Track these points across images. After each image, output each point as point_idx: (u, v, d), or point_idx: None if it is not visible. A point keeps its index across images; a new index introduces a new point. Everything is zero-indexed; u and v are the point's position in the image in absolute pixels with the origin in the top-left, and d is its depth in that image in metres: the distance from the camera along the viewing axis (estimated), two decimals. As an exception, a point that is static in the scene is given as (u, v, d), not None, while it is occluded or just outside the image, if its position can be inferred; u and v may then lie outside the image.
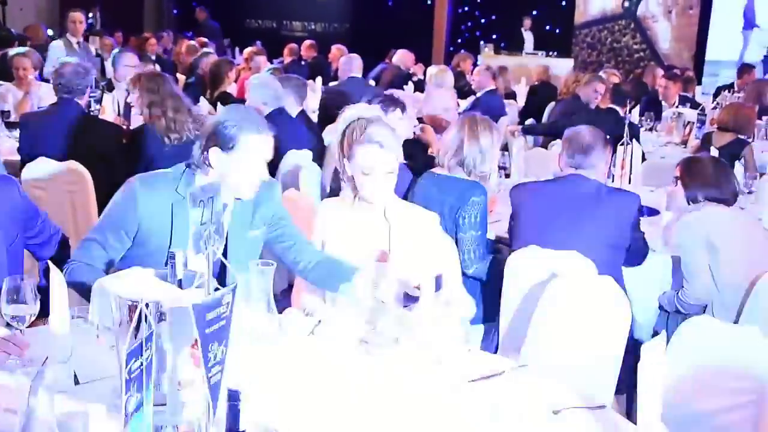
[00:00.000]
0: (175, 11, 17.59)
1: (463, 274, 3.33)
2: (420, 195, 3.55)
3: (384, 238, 2.73)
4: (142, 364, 1.49)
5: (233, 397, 1.36)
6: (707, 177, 3.47)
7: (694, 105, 8.47)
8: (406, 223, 2.74)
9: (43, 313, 2.09)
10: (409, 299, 2.23)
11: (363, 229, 2.77)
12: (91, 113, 5.36)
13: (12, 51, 6.73)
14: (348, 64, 7.78)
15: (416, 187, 3.64)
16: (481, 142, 3.50)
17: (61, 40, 8.47)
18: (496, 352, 2.90)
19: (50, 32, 12.26)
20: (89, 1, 15.50)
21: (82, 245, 2.58)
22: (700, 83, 11.98)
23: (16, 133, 5.19)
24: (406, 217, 2.75)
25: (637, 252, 3.44)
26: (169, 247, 2.53)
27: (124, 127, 5.38)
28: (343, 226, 2.79)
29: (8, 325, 2.11)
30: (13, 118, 5.83)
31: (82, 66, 4.96)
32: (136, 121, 5.21)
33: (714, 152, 4.98)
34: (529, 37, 14.75)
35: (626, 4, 14.99)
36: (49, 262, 1.99)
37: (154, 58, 9.27)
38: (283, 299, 3.03)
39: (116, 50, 7.49)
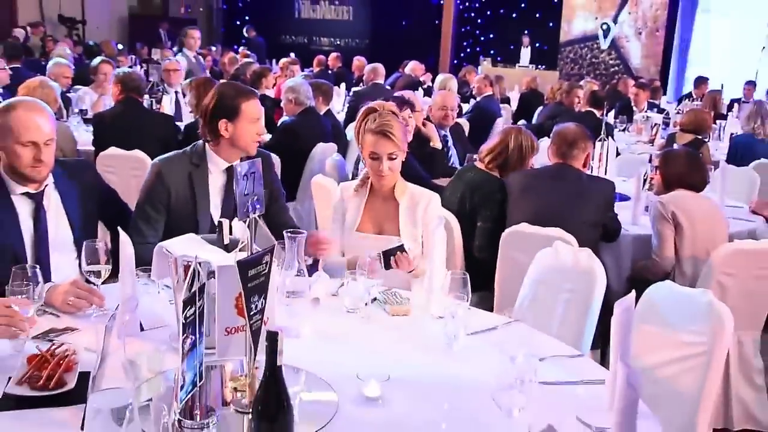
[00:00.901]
0: (222, 29, 17.74)
1: (473, 255, 3.35)
2: (457, 180, 3.58)
3: (393, 213, 2.76)
4: (195, 311, 1.50)
5: (272, 339, 1.36)
6: (681, 167, 3.46)
7: (660, 110, 8.39)
8: (411, 200, 2.77)
9: (114, 272, 2.13)
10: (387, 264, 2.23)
11: (376, 206, 2.80)
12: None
13: (96, 59, 6.82)
14: (373, 72, 7.76)
15: (458, 172, 3.69)
16: (522, 150, 3.51)
17: (181, 54, 8.52)
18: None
19: (120, 46, 12.29)
20: (158, 20, 15.58)
21: (132, 227, 2.60)
22: (665, 93, 11.82)
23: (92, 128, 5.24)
24: (411, 196, 2.78)
25: (611, 230, 3.42)
26: (194, 211, 2.62)
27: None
28: (358, 204, 2.82)
29: (87, 281, 2.17)
30: (90, 115, 5.86)
31: (139, 73, 5.31)
32: (187, 118, 5.32)
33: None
34: (525, 53, 14.68)
35: (604, 26, 14.84)
36: (119, 229, 2.01)
37: (207, 70, 9.31)
38: (311, 269, 3.03)
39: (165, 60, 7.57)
